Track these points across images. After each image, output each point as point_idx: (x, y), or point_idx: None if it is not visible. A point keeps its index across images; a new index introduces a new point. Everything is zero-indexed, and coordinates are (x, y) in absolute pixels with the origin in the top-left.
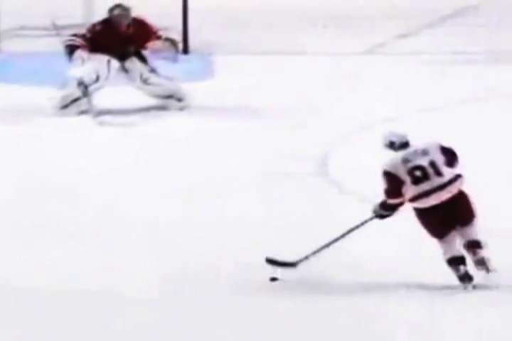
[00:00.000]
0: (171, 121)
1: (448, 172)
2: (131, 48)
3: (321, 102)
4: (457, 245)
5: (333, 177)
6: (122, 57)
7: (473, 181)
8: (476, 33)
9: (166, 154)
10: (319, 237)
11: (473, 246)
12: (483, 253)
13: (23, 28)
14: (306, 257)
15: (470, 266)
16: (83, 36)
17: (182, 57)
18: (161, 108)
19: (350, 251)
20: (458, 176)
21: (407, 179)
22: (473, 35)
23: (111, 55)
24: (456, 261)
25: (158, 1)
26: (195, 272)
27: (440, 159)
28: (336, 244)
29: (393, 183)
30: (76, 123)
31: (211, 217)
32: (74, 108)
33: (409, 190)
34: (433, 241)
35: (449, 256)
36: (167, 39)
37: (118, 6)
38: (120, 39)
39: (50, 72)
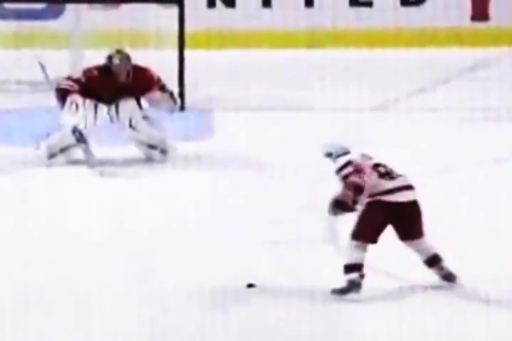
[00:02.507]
0: (169, 174)
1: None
2: (129, 98)
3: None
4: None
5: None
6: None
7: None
8: (494, 88)
9: (167, 207)
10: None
11: (436, 261)
12: (447, 265)
13: (4, 82)
14: None
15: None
16: (77, 81)
17: (179, 114)
18: (145, 159)
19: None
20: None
21: (374, 173)
22: (492, 90)
23: (104, 103)
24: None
25: (151, 52)
26: None
27: (367, 166)
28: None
29: (358, 173)
30: (67, 173)
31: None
32: (62, 157)
33: (378, 184)
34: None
35: (424, 257)
36: (166, 91)
37: (118, 52)
38: (117, 88)
39: (33, 130)
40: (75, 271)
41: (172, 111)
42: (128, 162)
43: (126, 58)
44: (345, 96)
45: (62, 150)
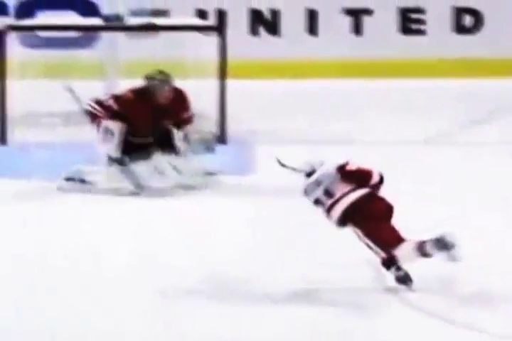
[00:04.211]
0: (210, 203)
1: (340, 192)
2: (165, 124)
3: None
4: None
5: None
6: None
7: None
8: None
9: (207, 236)
10: None
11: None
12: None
13: (32, 115)
14: None
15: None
16: (108, 107)
17: (219, 147)
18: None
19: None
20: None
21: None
22: None
23: (135, 131)
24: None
25: (190, 82)
26: None
27: (336, 183)
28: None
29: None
30: (105, 200)
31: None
32: (76, 186)
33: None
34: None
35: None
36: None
37: (160, 72)
38: (155, 111)
39: (62, 165)
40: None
41: (209, 152)
42: (167, 189)
43: (167, 78)
44: (395, 129)
45: (80, 180)
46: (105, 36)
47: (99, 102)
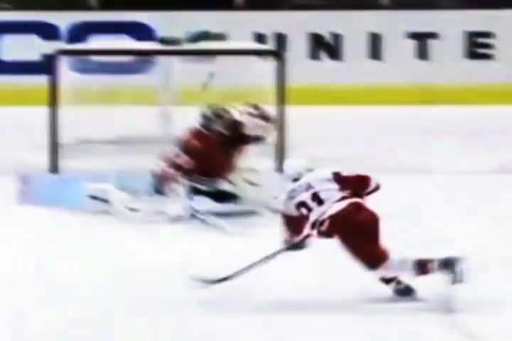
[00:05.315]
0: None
1: (332, 200)
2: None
3: (448, 233)
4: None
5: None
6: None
7: None
8: None
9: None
10: None
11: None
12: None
13: (84, 142)
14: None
15: None
16: (179, 167)
17: (277, 175)
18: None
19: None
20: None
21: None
22: None
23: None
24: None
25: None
26: None
27: (329, 189)
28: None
29: (288, 222)
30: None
31: None
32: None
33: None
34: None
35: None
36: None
37: (214, 108)
38: (220, 149)
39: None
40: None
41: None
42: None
43: (225, 114)
44: (462, 157)
45: (103, 200)
46: (160, 61)
47: (177, 165)
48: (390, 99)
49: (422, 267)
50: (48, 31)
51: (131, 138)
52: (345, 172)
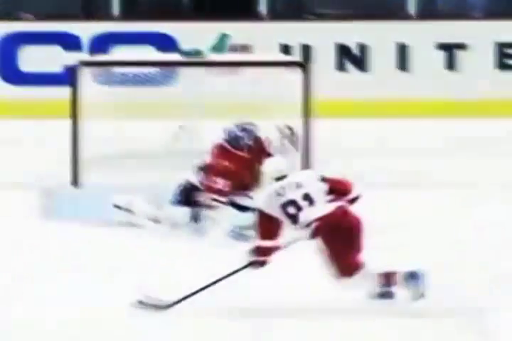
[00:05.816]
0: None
1: (322, 202)
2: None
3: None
4: None
5: None
6: None
7: None
8: None
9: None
10: None
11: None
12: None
13: (106, 157)
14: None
15: None
16: (219, 191)
17: None
18: None
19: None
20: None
21: (283, 218)
22: None
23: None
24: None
25: (275, 122)
26: None
27: (319, 191)
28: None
29: (266, 223)
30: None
31: None
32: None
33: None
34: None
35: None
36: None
37: (241, 125)
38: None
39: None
40: None
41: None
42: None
43: (252, 129)
44: (497, 170)
45: (127, 210)
46: (184, 73)
47: (209, 189)
48: (419, 112)
49: (386, 279)
50: (70, 42)
51: (154, 151)
52: (328, 176)
